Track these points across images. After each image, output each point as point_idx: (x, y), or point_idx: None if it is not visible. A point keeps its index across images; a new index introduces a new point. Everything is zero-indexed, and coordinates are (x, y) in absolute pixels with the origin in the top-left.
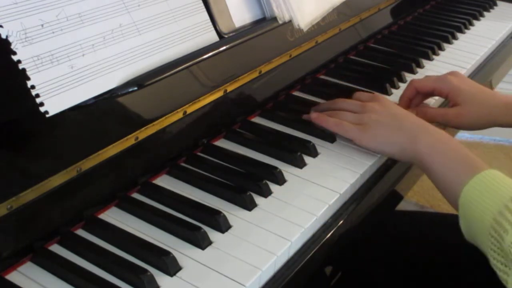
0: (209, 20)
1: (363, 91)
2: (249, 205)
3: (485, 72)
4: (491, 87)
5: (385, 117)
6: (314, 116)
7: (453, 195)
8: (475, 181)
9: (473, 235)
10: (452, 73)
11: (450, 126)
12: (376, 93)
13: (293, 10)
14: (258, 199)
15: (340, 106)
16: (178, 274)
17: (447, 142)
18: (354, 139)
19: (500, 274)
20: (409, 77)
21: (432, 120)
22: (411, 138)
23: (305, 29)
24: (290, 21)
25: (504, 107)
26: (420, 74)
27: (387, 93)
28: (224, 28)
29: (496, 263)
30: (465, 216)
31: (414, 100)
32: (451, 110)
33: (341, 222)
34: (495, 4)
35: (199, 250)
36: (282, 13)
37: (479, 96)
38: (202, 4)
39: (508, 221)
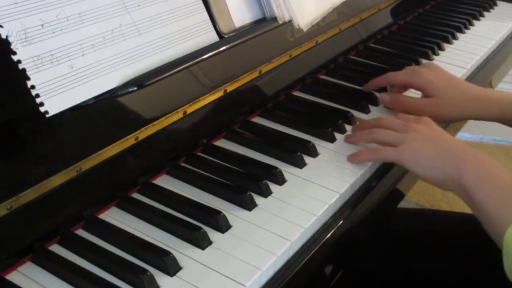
0: (209, 20)
1: (364, 91)
2: (249, 205)
3: (485, 72)
4: (491, 87)
5: (429, 139)
6: (350, 159)
7: (496, 231)
8: None
9: None
10: (426, 66)
11: (428, 116)
12: (423, 117)
13: (293, 10)
14: (258, 199)
15: (382, 123)
16: (178, 274)
17: (496, 172)
18: (395, 162)
19: None
20: None
21: (410, 110)
22: (456, 164)
23: (305, 29)
24: (290, 21)
25: (475, 101)
26: None
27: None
28: (224, 28)
29: None
30: (509, 255)
31: (392, 91)
32: (427, 99)
33: (341, 222)
34: (495, 4)
35: (199, 250)
36: (282, 13)
37: (451, 89)
38: (202, 4)
39: None
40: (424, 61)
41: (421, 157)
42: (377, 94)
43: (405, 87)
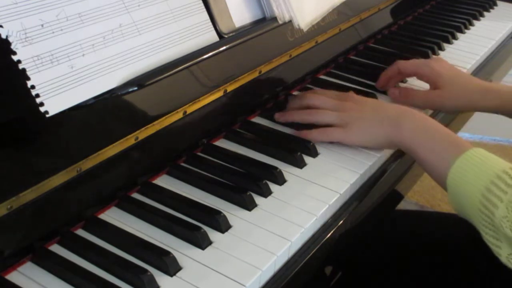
0: (209, 20)
1: (363, 91)
2: (249, 205)
3: (485, 72)
4: None
5: (366, 112)
6: (296, 133)
7: (441, 177)
8: (461, 160)
9: (464, 212)
10: (434, 59)
11: (433, 108)
12: (347, 93)
13: (293, 10)
14: (258, 199)
15: (313, 103)
16: (178, 274)
17: (430, 125)
18: (341, 141)
19: (492, 247)
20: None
21: (414, 101)
22: (394, 126)
23: (305, 29)
24: (290, 21)
25: (481, 91)
26: None
27: (387, 93)
28: (224, 28)
29: (488, 237)
30: (454, 195)
31: (392, 80)
32: (433, 91)
33: (341, 222)
34: (495, 4)
35: (199, 250)
36: (282, 13)
37: (458, 80)
38: (202, 4)
39: (496, 196)
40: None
41: (364, 131)
42: (390, 90)
43: (401, 78)
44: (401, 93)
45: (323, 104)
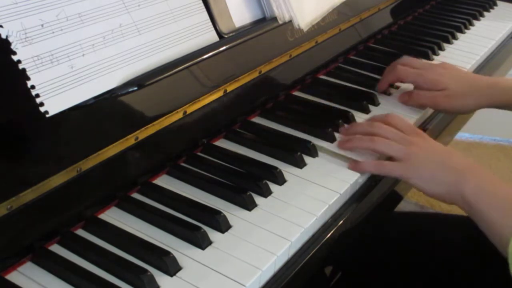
0: (209, 20)
1: (363, 91)
2: (249, 205)
3: (485, 72)
4: None
5: (433, 155)
6: (351, 166)
7: (501, 241)
8: None
9: None
10: (432, 66)
11: (440, 110)
12: (418, 129)
13: (293, 10)
14: (258, 199)
15: (378, 131)
16: (178, 274)
17: (496, 184)
18: (400, 178)
19: None
20: None
21: (423, 104)
22: (458, 178)
23: (305, 29)
24: (290, 21)
25: (488, 89)
26: None
27: (388, 93)
28: (224, 28)
29: None
30: None
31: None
32: (439, 93)
33: (341, 222)
34: (495, 4)
35: (199, 250)
36: (282, 13)
37: (462, 78)
38: (202, 4)
39: None
40: (424, 61)
41: (425, 174)
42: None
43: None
44: (411, 98)
45: (389, 134)
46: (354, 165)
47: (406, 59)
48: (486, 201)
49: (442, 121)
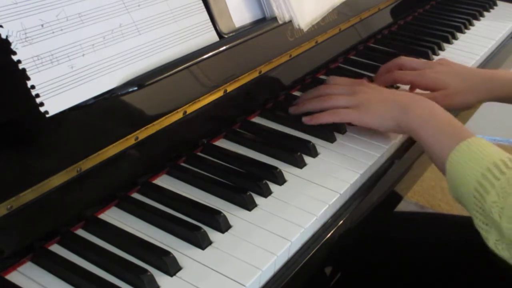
0: (209, 20)
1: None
2: (249, 205)
3: None
4: None
5: (376, 95)
6: (306, 120)
7: (441, 162)
8: (461, 146)
9: (460, 197)
10: (428, 65)
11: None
12: (359, 80)
13: (293, 10)
14: (258, 199)
15: (327, 91)
16: (178, 274)
17: (436, 112)
18: (354, 121)
19: (482, 232)
20: None
21: None
22: (402, 111)
23: (305, 29)
24: (290, 21)
25: (487, 83)
26: None
27: None
28: (224, 28)
29: (478, 222)
30: (451, 179)
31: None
32: (438, 93)
33: (341, 222)
34: (495, 4)
35: (199, 250)
36: (282, 13)
37: (461, 74)
38: (202, 4)
39: (489, 182)
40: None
41: (376, 112)
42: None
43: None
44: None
45: (335, 91)
46: (310, 118)
47: (403, 59)
48: (427, 128)
49: None
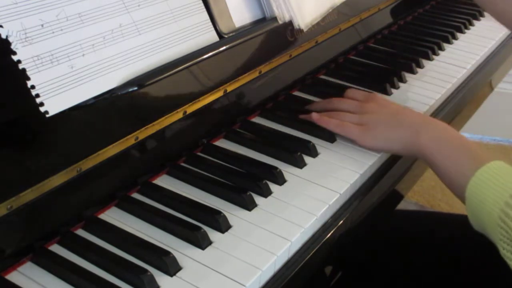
0: (209, 20)
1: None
2: (249, 205)
3: (485, 72)
4: (491, 87)
5: (384, 116)
6: (315, 117)
7: (459, 188)
8: (480, 173)
9: (482, 226)
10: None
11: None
12: (371, 93)
13: (293, 10)
14: (258, 199)
15: (337, 106)
16: (178, 274)
17: (450, 134)
18: (356, 140)
19: (510, 263)
20: (409, 77)
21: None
22: (413, 133)
23: (305, 29)
24: (290, 21)
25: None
26: (420, 74)
27: (387, 93)
28: (224, 28)
29: (506, 252)
30: (472, 208)
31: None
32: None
33: (341, 222)
34: None
35: (199, 250)
36: (282, 13)
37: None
38: (202, 4)
39: None
40: (424, 61)
41: (380, 134)
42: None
43: None
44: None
45: (344, 106)
46: (318, 117)
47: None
48: (441, 152)
49: (443, 119)
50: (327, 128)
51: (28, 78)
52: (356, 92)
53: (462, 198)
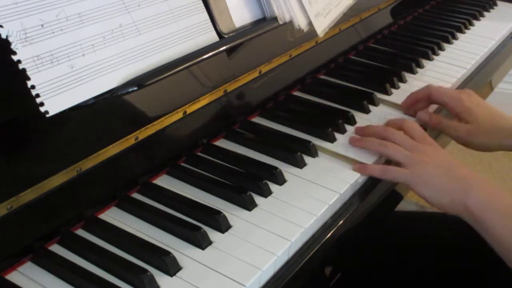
0: (209, 20)
1: (363, 91)
2: (249, 205)
3: (485, 72)
4: (491, 87)
5: (437, 163)
6: (357, 168)
7: (508, 254)
8: None
9: None
10: (465, 92)
11: (459, 142)
12: (429, 137)
13: (293, 11)
14: (258, 199)
15: (390, 137)
16: (178, 274)
17: (501, 197)
18: (406, 183)
19: None
20: (409, 77)
21: (443, 130)
22: (462, 190)
23: (305, 29)
24: (290, 21)
25: (511, 129)
26: (420, 74)
27: (387, 93)
28: (224, 28)
29: None
30: None
31: (420, 103)
32: (463, 126)
33: (341, 222)
34: (495, 4)
35: (199, 250)
36: (282, 14)
37: (490, 117)
38: (202, 4)
39: None
40: (424, 61)
41: (430, 182)
42: (420, 113)
43: (429, 103)
44: (431, 119)
45: (399, 140)
46: (360, 167)
47: (432, 88)
48: (490, 214)
49: None
50: (371, 175)
51: (28, 78)
52: (413, 128)
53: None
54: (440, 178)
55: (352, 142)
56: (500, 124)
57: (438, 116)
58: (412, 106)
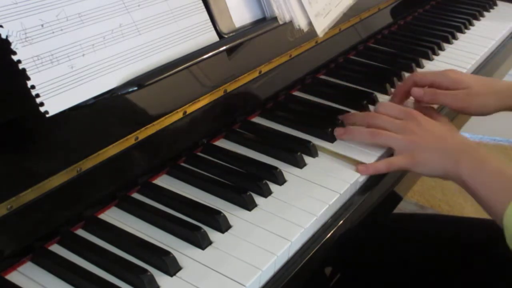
0: (209, 20)
1: (363, 91)
2: (249, 205)
3: (485, 72)
4: None
5: (429, 142)
6: (362, 169)
7: (497, 216)
8: None
9: None
10: (449, 69)
11: (458, 109)
12: (410, 111)
13: (293, 11)
14: (258, 199)
15: (375, 122)
16: (178, 274)
17: (489, 162)
18: (408, 169)
19: None
20: None
21: (441, 103)
22: (453, 161)
23: (305, 29)
24: (290, 21)
25: (508, 89)
26: None
27: (387, 93)
28: (224, 28)
29: None
30: (510, 234)
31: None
32: (460, 91)
33: (341, 222)
34: (495, 4)
35: (199, 250)
36: (282, 14)
37: (484, 84)
38: (202, 4)
39: None
40: (424, 61)
41: (428, 161)
42: (413, 89)
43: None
44: (426, 94)
45: (386, 125)
46: (364, 168)
47: (415, 75)
48: (479, 180)
49: None
50: (378, 172)
51: (28, 78)
52: (389, 108)
53: (500, 224)
54: (433, 156)
55: (339, 135)
56: (496, 87)
57: (432, 89)
58: (402, 98)
